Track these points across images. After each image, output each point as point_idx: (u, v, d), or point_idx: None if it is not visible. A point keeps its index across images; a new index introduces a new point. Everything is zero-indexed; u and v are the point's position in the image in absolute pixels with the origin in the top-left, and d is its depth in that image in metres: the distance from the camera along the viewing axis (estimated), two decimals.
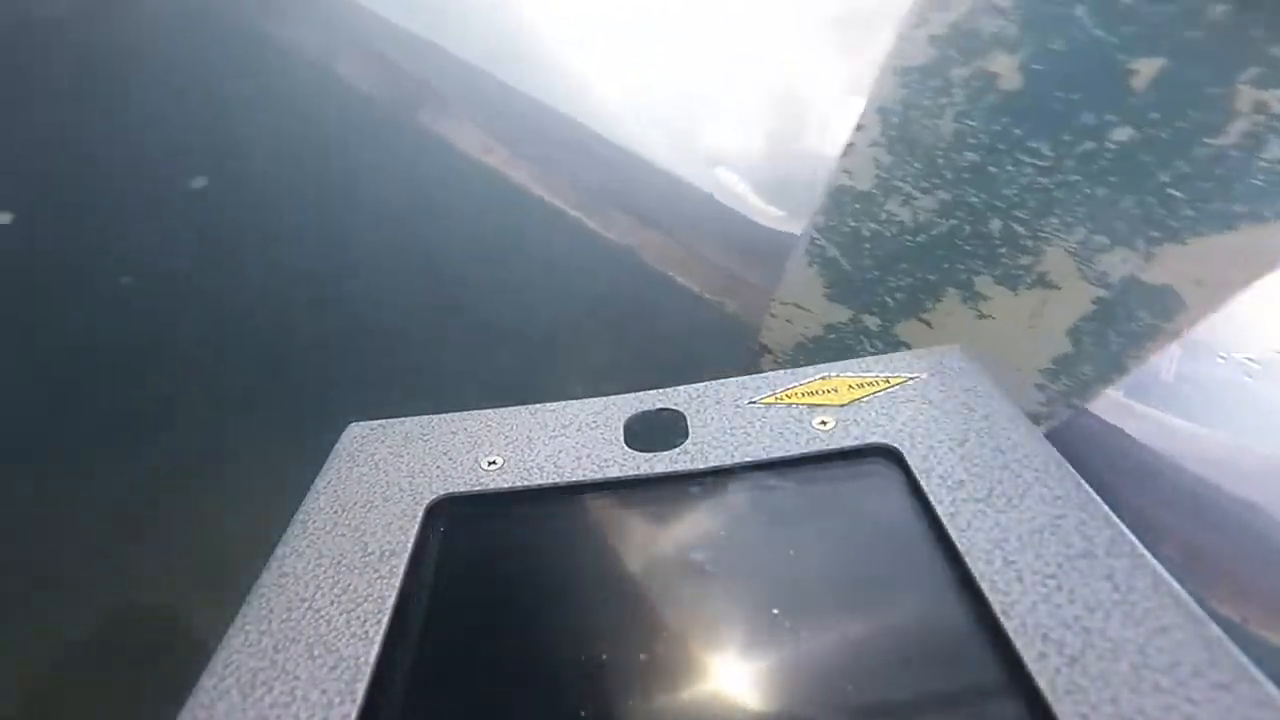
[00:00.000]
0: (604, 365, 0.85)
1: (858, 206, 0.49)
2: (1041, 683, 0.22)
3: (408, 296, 0.92)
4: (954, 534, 0.27)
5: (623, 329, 1.05)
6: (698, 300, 0.89)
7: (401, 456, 0.36)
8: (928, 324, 0.51)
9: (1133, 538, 0.26)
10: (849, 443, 0.32)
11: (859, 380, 0.35)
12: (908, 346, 0.51)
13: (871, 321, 0.53)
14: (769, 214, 0.93)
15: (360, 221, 0.98)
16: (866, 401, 0.34)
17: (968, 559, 0.26)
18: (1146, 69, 0.38)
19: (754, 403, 0.35)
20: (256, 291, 0.86)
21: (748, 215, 0.91)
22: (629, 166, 0.97)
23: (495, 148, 0.99)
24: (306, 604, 0.28)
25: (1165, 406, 0.70)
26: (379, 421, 0.39)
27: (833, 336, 0.57)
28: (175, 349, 0.79)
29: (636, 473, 0.32)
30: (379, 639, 0.26)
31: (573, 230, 0.95)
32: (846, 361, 0.37)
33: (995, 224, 0.47)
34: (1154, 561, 0.25)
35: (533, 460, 0.34)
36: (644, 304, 0.98)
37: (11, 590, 0.60)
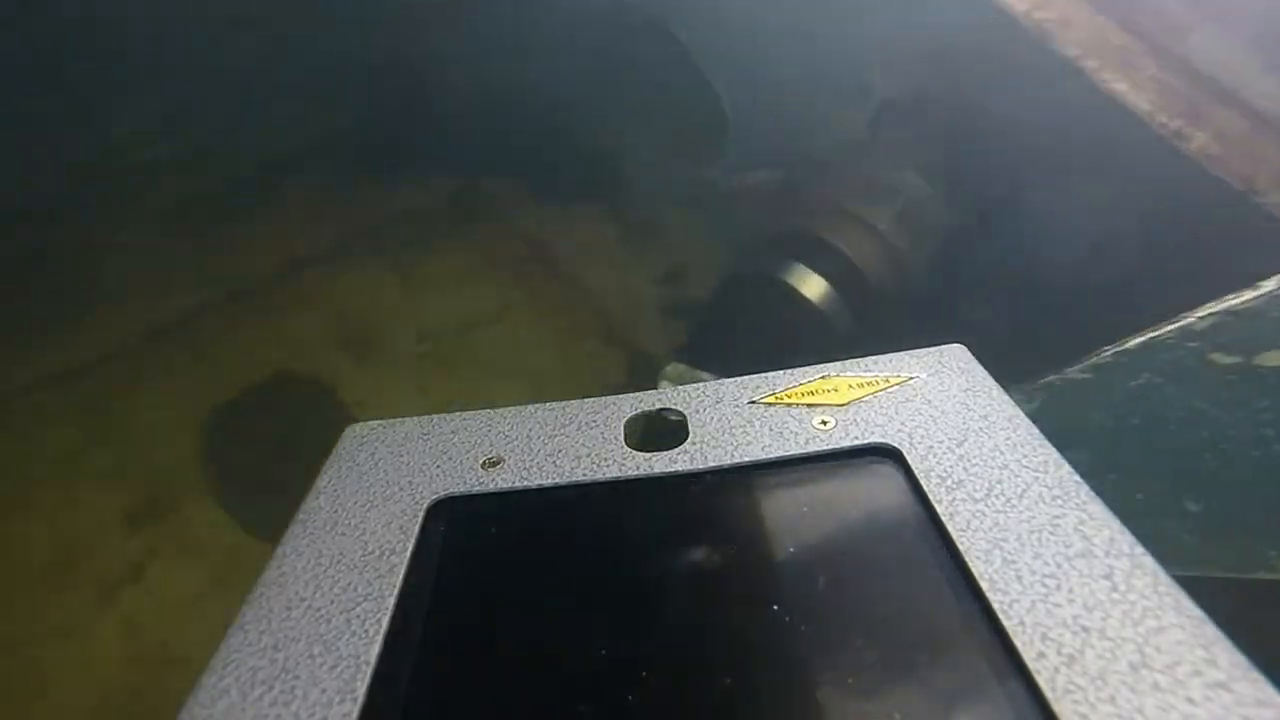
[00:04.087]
0: None
1: None
2: (1041, 682, 0.22)
3: None
4: (953, 533, 0.27)
5: None
6: None
7: (401, 456, 0.36)
8: None
9: (1132, 537, 0.26)
10: (849, 443, 0.32)
11: (859, 380, 0.35)
12: None
13: None
14: None
15: None
16: (866, 401, 0.34)
17: (967, 558, 0.26)
18: None
19: (754, 403, 0.35)
20: None
21: None
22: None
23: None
24: (306, 603, 0.28)
25: None
26: (379, 421, 0.39)
27: None
28: None
29: (636, 473, 0.32)
30: (379, 638, 0.26)
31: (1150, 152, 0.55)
32: (846, 361, 0.37)
33: None
34: (1153, 561, 0.25)
35: (533, 460, 0.34)
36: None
37: None
